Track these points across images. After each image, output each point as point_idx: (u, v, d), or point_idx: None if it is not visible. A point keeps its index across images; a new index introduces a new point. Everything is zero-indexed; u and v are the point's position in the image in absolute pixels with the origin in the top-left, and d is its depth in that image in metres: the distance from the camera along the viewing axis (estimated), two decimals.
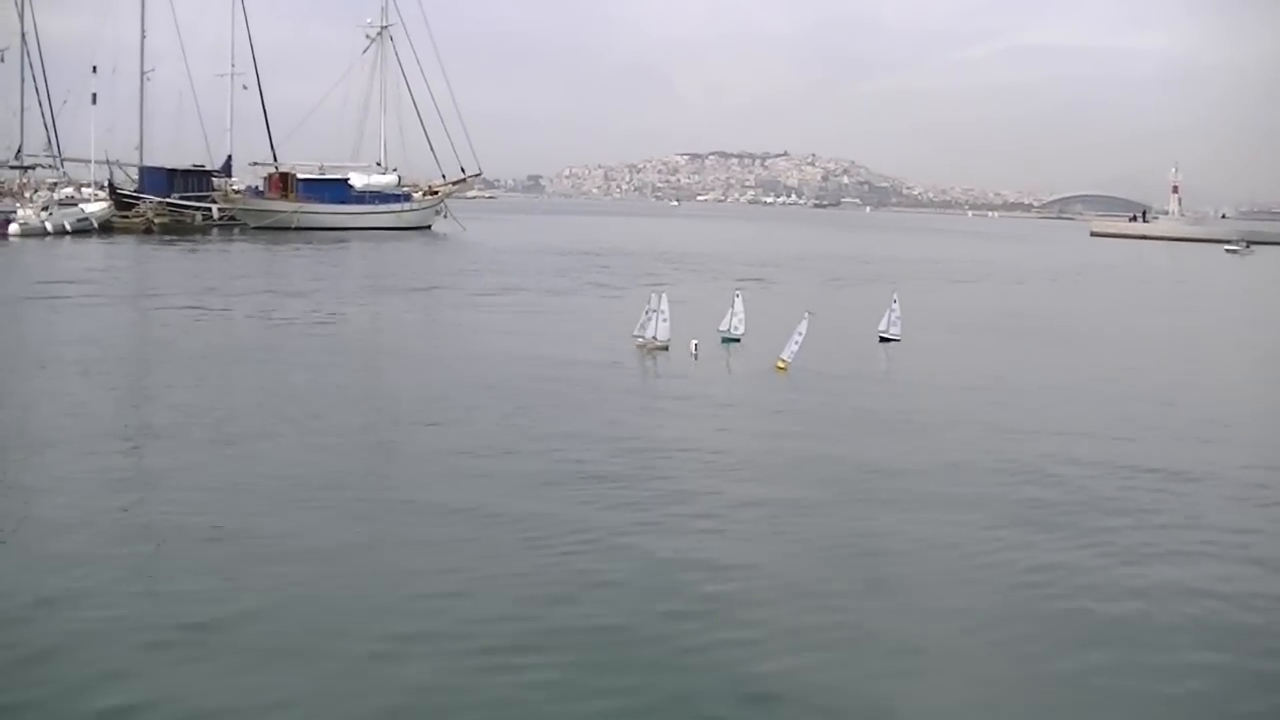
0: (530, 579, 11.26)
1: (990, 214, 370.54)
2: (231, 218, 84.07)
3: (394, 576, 11.34)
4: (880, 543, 12.96)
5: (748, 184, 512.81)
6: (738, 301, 29.19)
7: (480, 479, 14.91)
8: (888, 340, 30.43)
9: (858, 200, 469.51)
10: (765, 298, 40.87)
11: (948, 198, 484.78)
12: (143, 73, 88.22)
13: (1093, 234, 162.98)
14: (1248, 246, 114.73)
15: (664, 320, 27.05)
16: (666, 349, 26.71)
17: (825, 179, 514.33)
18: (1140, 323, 41.73)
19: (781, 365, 25.01)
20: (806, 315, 26.10)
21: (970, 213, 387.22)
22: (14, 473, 15.03)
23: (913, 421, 19.98)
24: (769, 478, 15.97)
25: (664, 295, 27.76)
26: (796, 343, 25.27)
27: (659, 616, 10.48)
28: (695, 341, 26.72)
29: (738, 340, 28.46)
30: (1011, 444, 18.30)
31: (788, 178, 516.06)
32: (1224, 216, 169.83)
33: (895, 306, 31.07)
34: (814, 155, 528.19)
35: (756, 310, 30.60)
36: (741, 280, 43.17)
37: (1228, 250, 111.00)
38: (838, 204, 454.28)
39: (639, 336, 27.20)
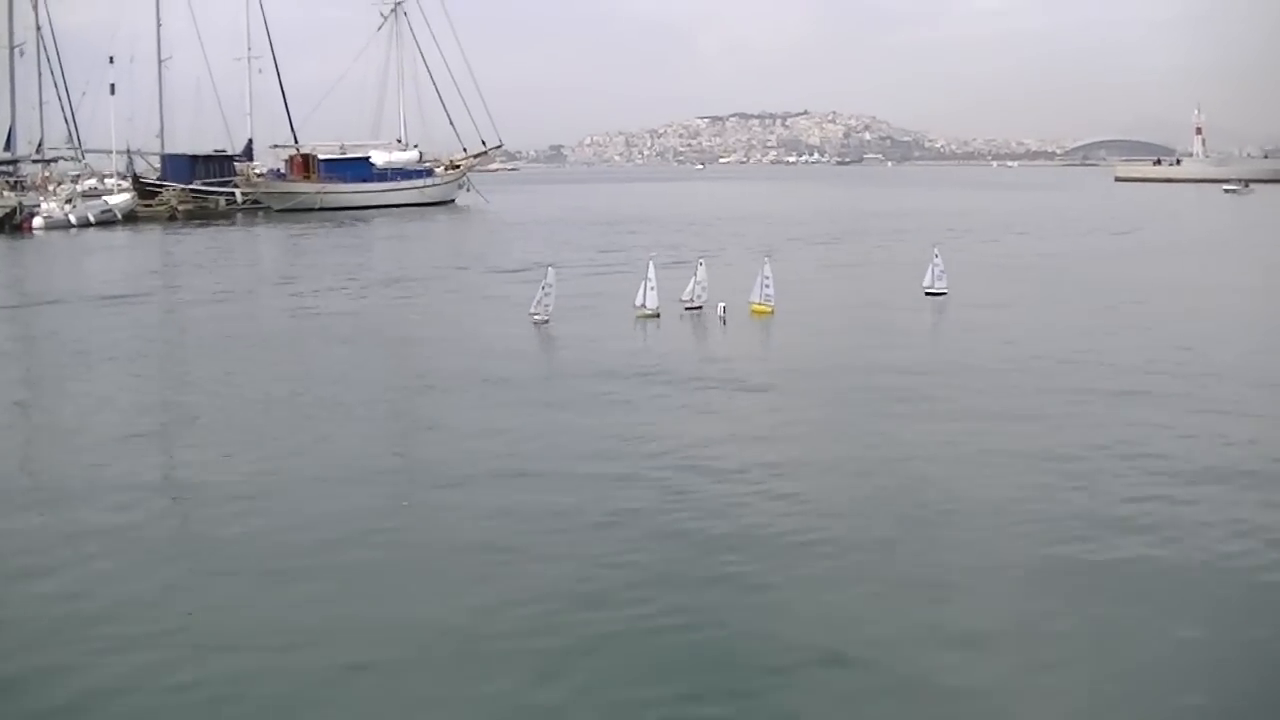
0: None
1: (1012, 164, 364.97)
2: (255, 201, 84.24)
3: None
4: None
5: (769, 144, 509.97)
6: (700, 269, 28.74)
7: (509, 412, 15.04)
8: (934, 295, 30.32)
9: (880, 156, 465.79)
10: (805, 266, 40.53)
11: (970, 149, 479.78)
12: (160, 60, 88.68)
13: (1117, 179, 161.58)
14: (1246, 186, 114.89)
15: (652, 289, 27.32)
16: (658, 316, 26.93)
17: (847, 136, 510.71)
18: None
19: (760, 309, 27.32)
20: (767, 258, 28.95)
21: (994, 163, 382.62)
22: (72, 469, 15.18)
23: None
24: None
25: (650, 264, 28.32)
26: (767, 285, 27.50)
27: None
28: (723, 304, 26.99)
29: (699, 309, 27.84)
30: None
31: (809, 136, 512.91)
32: (1266, 157, 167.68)
33: (938, 260, 30.90)
34: (834, 113, 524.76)
35: (790, 279, 30.27)
36: (786, 243, 42.34)
37: (1226, 190, 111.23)
38: (860, 160, 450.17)
39: (535, 314, 26.31)
